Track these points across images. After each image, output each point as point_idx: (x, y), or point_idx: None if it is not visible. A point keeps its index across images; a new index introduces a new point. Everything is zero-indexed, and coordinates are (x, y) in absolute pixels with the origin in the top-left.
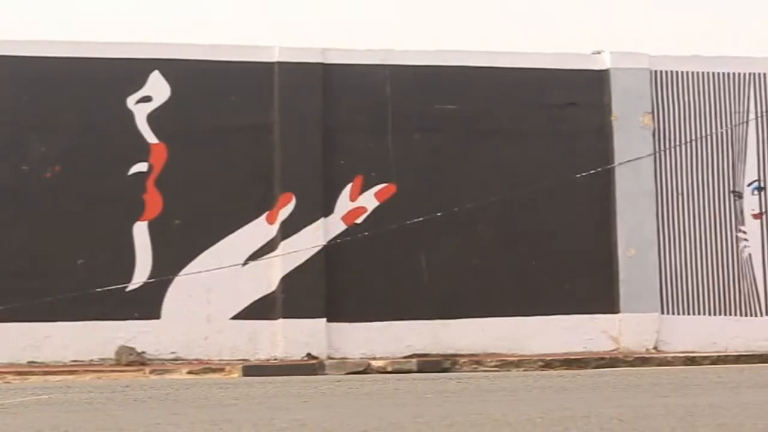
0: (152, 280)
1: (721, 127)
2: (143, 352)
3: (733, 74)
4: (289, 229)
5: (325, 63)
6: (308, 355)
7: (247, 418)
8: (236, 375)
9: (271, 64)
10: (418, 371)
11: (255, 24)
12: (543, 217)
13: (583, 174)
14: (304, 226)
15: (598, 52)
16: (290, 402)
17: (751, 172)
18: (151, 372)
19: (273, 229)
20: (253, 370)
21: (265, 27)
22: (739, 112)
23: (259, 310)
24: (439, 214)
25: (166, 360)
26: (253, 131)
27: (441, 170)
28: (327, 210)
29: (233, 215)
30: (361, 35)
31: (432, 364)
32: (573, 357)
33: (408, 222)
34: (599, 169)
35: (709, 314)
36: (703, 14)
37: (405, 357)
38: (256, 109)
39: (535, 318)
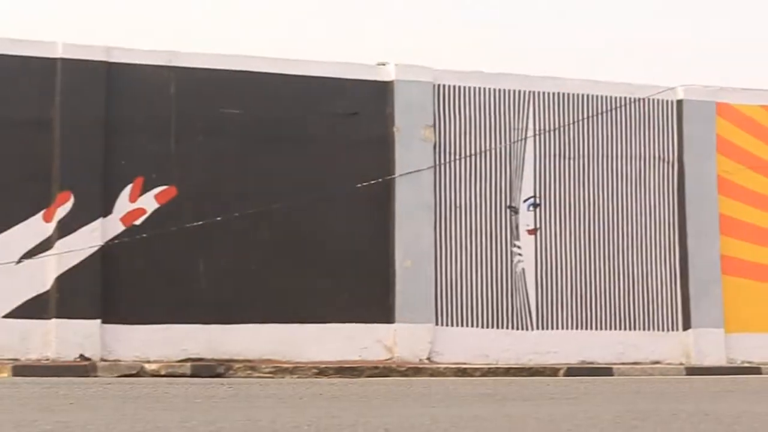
0: None
1: (500, 143)
2: None
3: (514, 91)
4: (65, 228)
5: (109, 61)
6: (81, 356)
7: (10, 418)
8: (6, 375)
9: (54, 60)
10: (192, 375)
11: (38, 18)
12: (323, 225)
13: (364, 184)
14: (82, 225)
15: (383, 64)
16: (57, 403)
17: (527, 189)
18: None
19: (49, 228)
20: (23, 370)
21: (48, 22)
22: (517, 129)
23: (32, 309)
24: (219, 218)
25: None
26: (33, 127)
27: (223, 174)
28: (106, 210)
29: (8, 212)
30: (148, 35)
31: (206, 369)
32: (347, 365)
33: (188, 225)
34: (379, 180)
35: (482, 327)
36: (487, 32)
37: (180, 361)
38: (37, 104)
39: (312, 325)
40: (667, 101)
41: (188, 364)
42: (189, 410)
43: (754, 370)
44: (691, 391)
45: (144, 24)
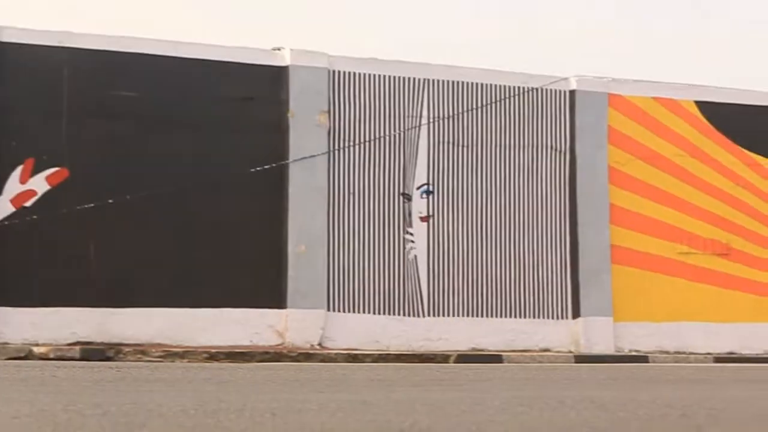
0: None
1: (395, 130)
2: None
3: (409, 79)
4: None
5: (0, 41)
6: None
7: None
8: None
9: None
10: (81, 359)
11: None
12: (217, 209)
13: (258, 169)
14: None
15: (279, 49)
16: None
17: (421, 176)
18: None
19: None
20: None
21: None
22: (412, 116)
23: None
24: (111, 201)
25: None
26: None
27: (116, 157)
28: None
29: None
30: (39, 15)
31: (95, 353)
32: (238, 350)
33: (79, 207)
34: (273, 165)
35: (374, 313)
36: (382, 19)
37: (69, 344)
38: None
39: (203, 310)
40: (560, 91)
41: (77, 348)
42: (76, 393)
43: (642, 359)
44: (578, 378)
45: (37, 3)
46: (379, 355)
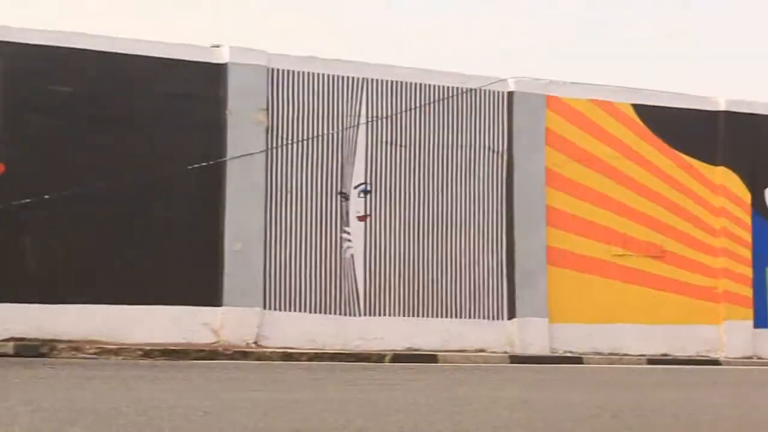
0: None
1: (333, 129)
2: None
3: (347, 78)
4: None
5: None
6: None
7: None
8: None
9: None
10: (15, 355)
11: None
12: (153, 206)
13: (195, 166)
14: None
15: (217, 46)
16: None
17: (358, 175)
18: None
19: None
20: None
21: None
22: (350, 115)
23: None
24: (46, 196)
25: None
26: None
27: (53, 153)
28: None
29: None
30: None
31: (29, 349)
32: (173, 348)
33: (14, 203)
34: (211, 162)
35: (310, 312)
36: (322, 17)
37: (2, 340)
38: None
39: (138, 307)
40: (498, 93)
41: (11, 344)
42: (8, 390)
43: (576, 360)
44: (512, 379)
45: None
46: (315, 353)
